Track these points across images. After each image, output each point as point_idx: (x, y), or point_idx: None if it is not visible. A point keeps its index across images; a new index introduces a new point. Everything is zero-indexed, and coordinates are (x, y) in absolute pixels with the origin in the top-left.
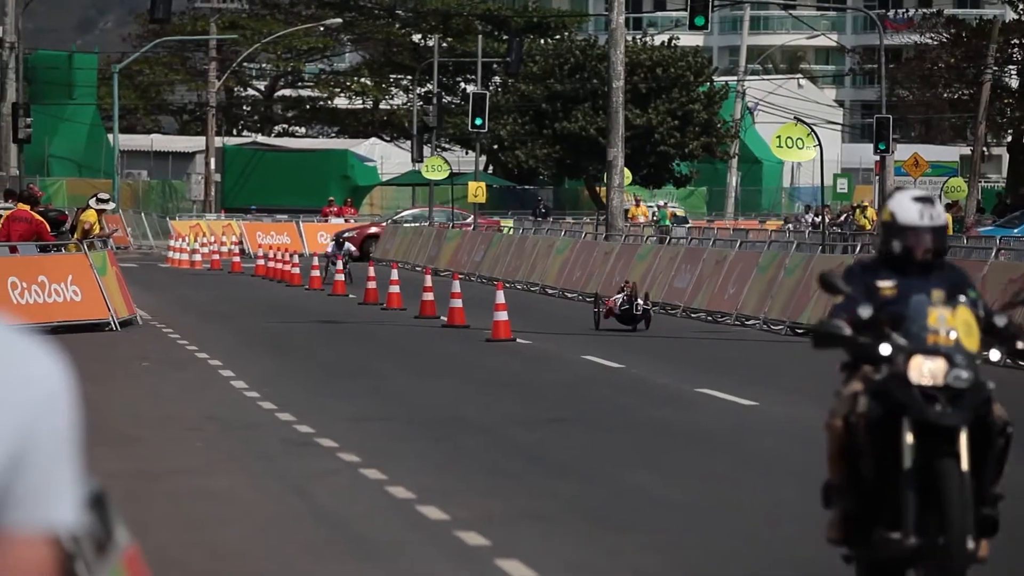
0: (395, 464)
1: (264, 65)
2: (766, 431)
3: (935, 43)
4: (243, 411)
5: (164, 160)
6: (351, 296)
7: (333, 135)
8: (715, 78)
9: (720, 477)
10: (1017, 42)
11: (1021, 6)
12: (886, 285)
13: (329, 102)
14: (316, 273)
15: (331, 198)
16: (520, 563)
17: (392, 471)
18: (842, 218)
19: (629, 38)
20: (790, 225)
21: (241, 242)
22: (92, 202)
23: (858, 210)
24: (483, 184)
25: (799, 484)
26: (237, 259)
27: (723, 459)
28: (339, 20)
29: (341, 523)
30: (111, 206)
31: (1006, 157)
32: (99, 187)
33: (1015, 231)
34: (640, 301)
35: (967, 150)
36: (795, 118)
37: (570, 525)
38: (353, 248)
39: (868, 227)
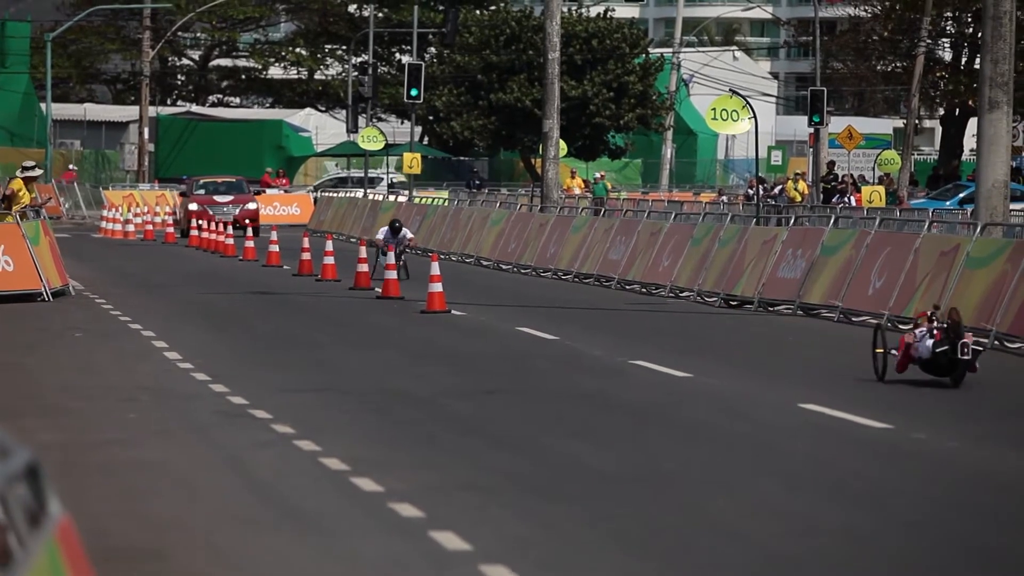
0: (329, 436)
1: (199, 35)
2: (700, 403)
3: (869, 15)
4: (177, 382)
5: (97, 130)
6: (285, 267)
7: (268, 105)
8: (650, 50)
9: (654, 448)
10: (950, 15)
11: None
12: None
13: (264, 72)
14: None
15: (269, 169)
16: (455, 535)
17: (326, 443)
18: (776, 190)
19: (565, 9)
20: (724, 197)
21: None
22: (19, 171)
23: (791, 182)
24: (418, 155)
25: (732, 455)
26: (171, 230)
27: (657, 431)
28: None
29: (275, 495)
30: (38, 172)
31: (939, 130)
32: (31, 156)
33: (947, 203)
34: (967, 340)
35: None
36: (730, 90)
37: (505, 497)
38: (411, 236)
39: (800, 199)
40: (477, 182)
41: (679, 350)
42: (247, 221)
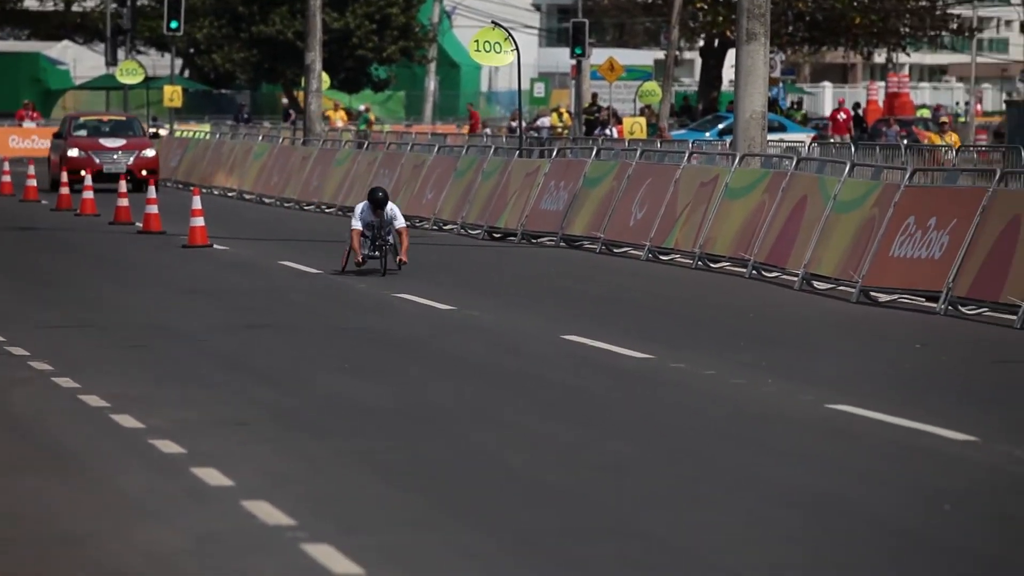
0: (89, 373)
1: None
2: (464, 335)
3: None
4: None
5: None
6: (44, 202)
7: (24, 37)
8: None
9: (419, 382)
10: None
11: None
12: None
13: (19, 3)
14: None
15: (26, 101)
16: (216, 471)
17: (86, 380)
18: (539, 122)
19: None
20: (488, 130)
21: None
22: None
23: (555, 114)
24: (179, 88)
25: (496, 388)
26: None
27: (422, 364)
28: None
29: (33, 432)
30: None
31: (699, 61)
32: None
33: (707, 134)
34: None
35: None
36: (492, 22)
37: (269, 432)
38: (402, 222)
39: (564, 132)
40: (245, 116)
41: (443, 283)
42: (143, 172)
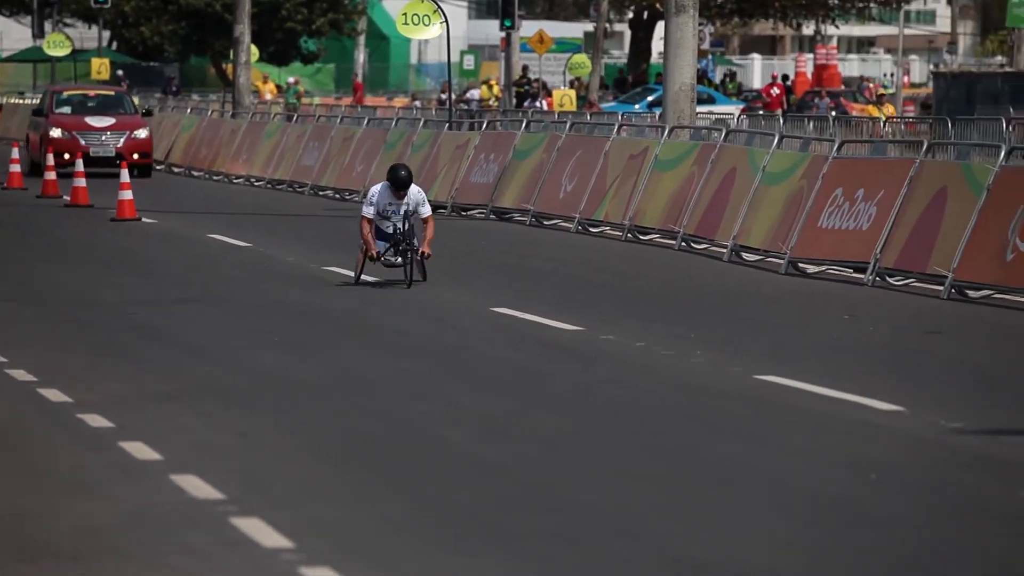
0: (15, 347)
1: None
2: (396, 309)
3: None
4: None
5: None
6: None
7: None
8: None
9: (350, 355)
10: None
11: None
12: None
13: None
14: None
15: None
16: (145, 445)
17: (12, 354)
18: (469, 95)
19: None
20: (417, 102)
21: None
22: None
23: (485, 87)
24: (107, 61)
25: (428, 362)
26: (15, 168)
27: (352, 337)
28: None
29: None
30: None
31: (628, 34)
32: None
33: (636, 107)
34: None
35: (591, 26)
36: None
37: (199, 406)
38: (427, 209)
39: (494, 104)
40: (174, 89)
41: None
42: (135, 155)
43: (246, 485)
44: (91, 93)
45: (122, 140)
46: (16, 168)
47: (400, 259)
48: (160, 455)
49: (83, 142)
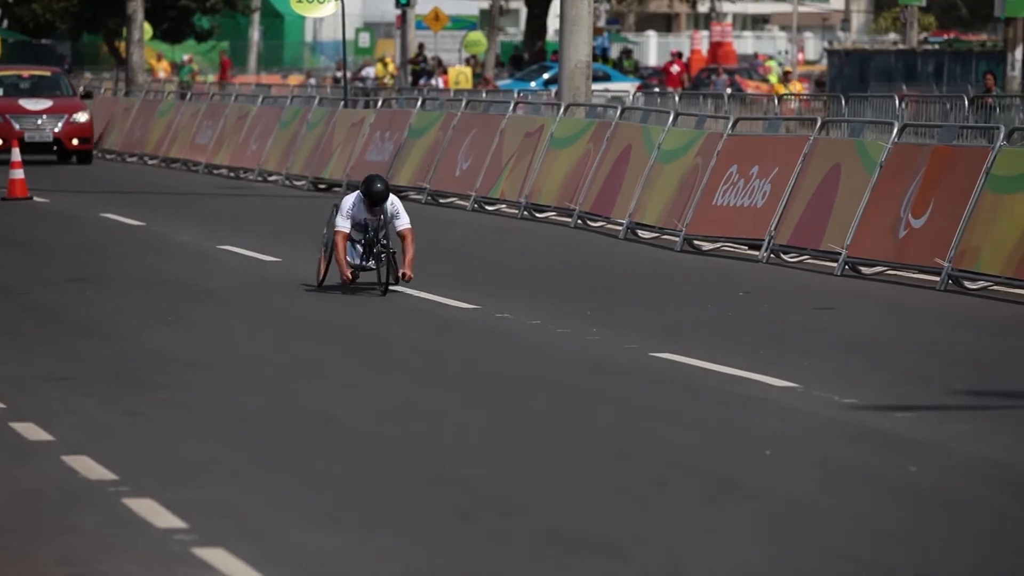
0: None
1: None
2: (289, 288)
3: None
4: None
5: None
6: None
7: None
8: None
9: (243, 335)
10: None
11: None
12: None
13: None
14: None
15: None
16: (36, 425)
17: None
18: (364, 72)
19: None
20: (312, 80)
21: None
22: None
23: (380, 64)
24: None
25: (319, 340)
26: None
27: (246, 317)
28: None
29: None
30: None
31: (524, 11)
32: None
33: (532, 84)
34: None
35: (486, 4)
36: None
37: (90, 386)
38: (406, 222)
39: (389, 82)
40: (67, 67)
41: (267, 235)
42: (74, 141)
43: (138, 465)
44: (24, 74)
45: (60, 124)
46: None
47: (373, 262)
48: (51, 436)
49: (17, 127)
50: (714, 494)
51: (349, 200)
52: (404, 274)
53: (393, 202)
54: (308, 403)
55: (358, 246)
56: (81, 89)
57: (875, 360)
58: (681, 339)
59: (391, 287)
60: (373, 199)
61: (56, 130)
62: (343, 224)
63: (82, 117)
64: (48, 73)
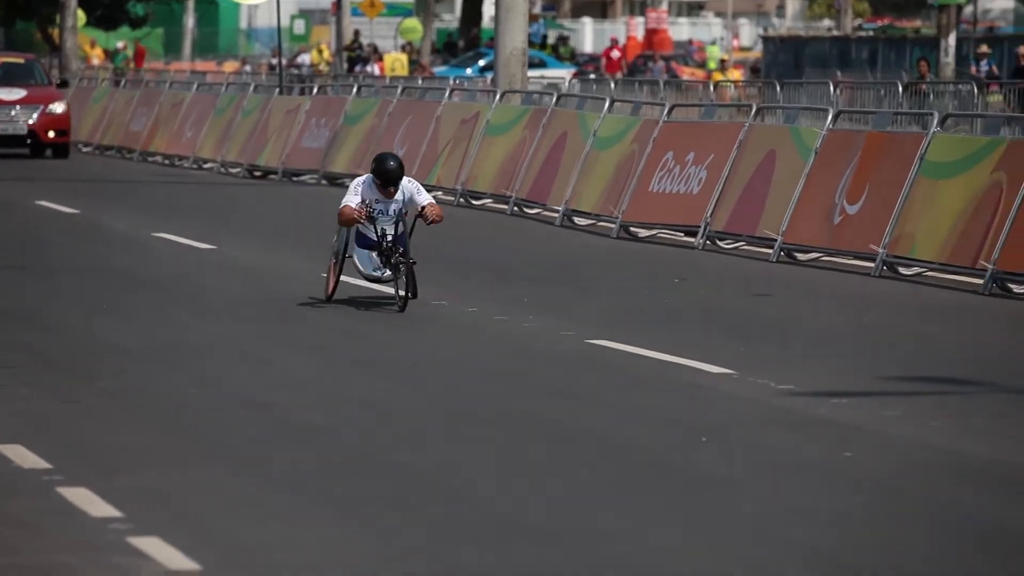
0: None
1: None
2: (224, 275)
3: None
4: None
5: None
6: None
7: None
8: None
9: (177, 322)
10: None
11: None
12: None
13: None
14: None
15: None
16: None
17: None
18: (299, 59)
19: None
20: (247, 67)
21: None
22: None
23: (315, 51)
24: None
25: (256, 329)
26: None
27: (181, 305)
28: None
29: None
30: None
31: None
32: None
33: (468, 71)
34: None
35: None
36: None
37: (24, 375)
38: (428, 199)
39: (325, 69)
40: None
41: (203, 222)
42: (51, 133)
43: (73, 454)
44: None
45: (35, 115)
46: None
47: (388, 272)
48: None
49: None
50: (648, 480)
51: (360, 180)
52: (429, 209)
53: (410, 183)
54: (246, 390)
55: (373, 255)
56: (56, 77)
57: (811, 346)
58: (617, 326)
59: (408, 299)
60: (387, 178)
61: (31, 122)
62: (351, 200)
63: (59, 108)
64: (21, 60)
